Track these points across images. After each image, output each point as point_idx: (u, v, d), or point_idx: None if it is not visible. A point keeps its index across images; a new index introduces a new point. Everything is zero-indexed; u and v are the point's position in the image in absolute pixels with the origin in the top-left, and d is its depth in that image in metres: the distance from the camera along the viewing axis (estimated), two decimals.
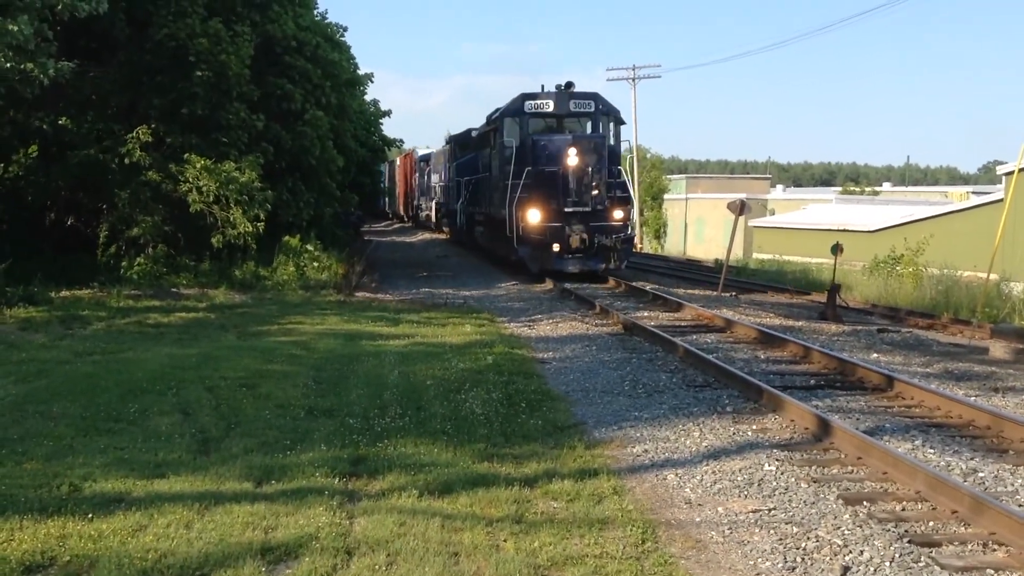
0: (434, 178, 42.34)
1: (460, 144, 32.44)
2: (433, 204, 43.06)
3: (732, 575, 5.34)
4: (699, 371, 11.08)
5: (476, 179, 27.78)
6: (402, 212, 59.25)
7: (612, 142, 22.40)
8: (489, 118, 24.82)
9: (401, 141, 42.12)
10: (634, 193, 22.18)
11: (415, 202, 52.08)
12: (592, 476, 6.97)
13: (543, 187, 20.85)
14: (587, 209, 20.77)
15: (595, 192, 20.66)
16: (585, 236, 20.73)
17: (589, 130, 22.65)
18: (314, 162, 23.47)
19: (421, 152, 50.71)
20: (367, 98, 34.87)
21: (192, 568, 5.13)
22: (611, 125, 22.69)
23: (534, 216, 20.82)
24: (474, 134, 28.56)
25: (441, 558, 5.34)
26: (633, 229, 21.97)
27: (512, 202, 20.88)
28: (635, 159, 22.18)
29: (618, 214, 21.24)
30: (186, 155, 19.58)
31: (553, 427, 8.42)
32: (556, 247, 20.77)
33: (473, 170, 28.27)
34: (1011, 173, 18.11)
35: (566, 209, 20.79)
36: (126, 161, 19.45)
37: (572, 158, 20.52)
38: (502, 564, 5.27)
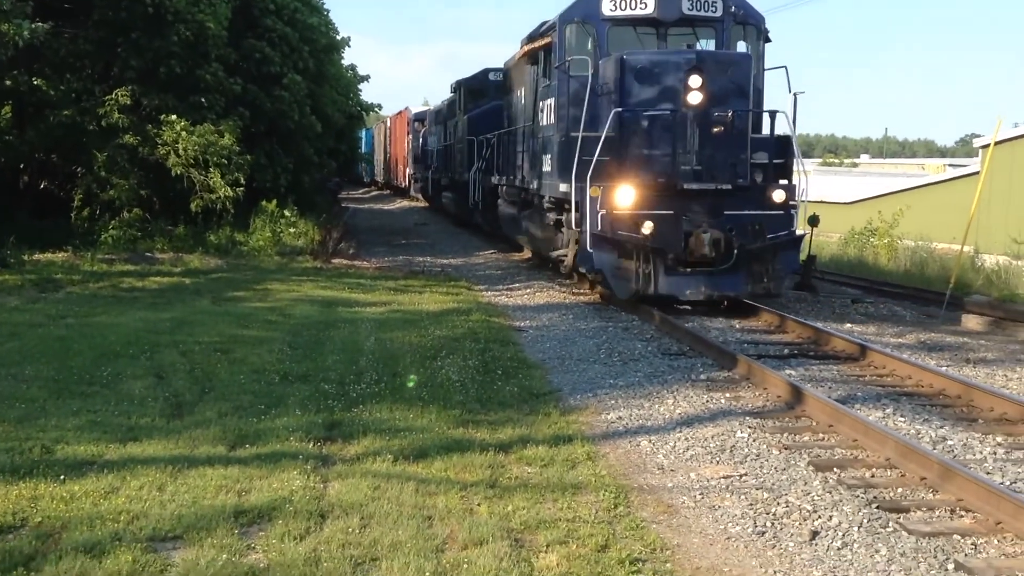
0: (430, 141, 34.58)
1: (472, 91, 24.35)
2: (429, 173, 35.23)
3: (703, 539, 5.40)
4: (674, 340, 11.14)
5: (504, 135, 18.88)
6: (381, 179, 58.51)
7: (755, 70, 13.29)
8: (533, 34, 15.93)
9: (379, 106, 41.62)
10: (799, 159, 13.19)
11: (407, 170, 44.17)
12: (566, 442, 7.01)
13: (640, 145, 12.53)
14: (722, 186, 12.39)
15: (734, 152, 12.52)
16: (718, 234, 12.22)
17: (714, 47, 13.59)
18: (292, 127, 23.24)
19: (417, 110, 42.74)
20: (344, 63, 34.37)
21: (164, 530, 5.14)
22: (749, 42, 13.74)
23: (624, 196, 12.25)
24: (492, 76, 22.09)
25: (415, 521, 5.36)
26: (796, 221, 12.97)
27: (582, 171, 12.21)
28: (796, 99, 12.90)
29: (777, 195, 12.60)
30: (163, 116, 19.36)
31: (528, 394, 8.45)
32: (664, 252, 12.23)
33: (496, 123, 19.95)
34: (987, 146, 18.22)
35: (684, 185, 12.30)
36: (103, 123, 19.21)
37: (694, 94, 12.04)
38: (475, 527, 5.30)
